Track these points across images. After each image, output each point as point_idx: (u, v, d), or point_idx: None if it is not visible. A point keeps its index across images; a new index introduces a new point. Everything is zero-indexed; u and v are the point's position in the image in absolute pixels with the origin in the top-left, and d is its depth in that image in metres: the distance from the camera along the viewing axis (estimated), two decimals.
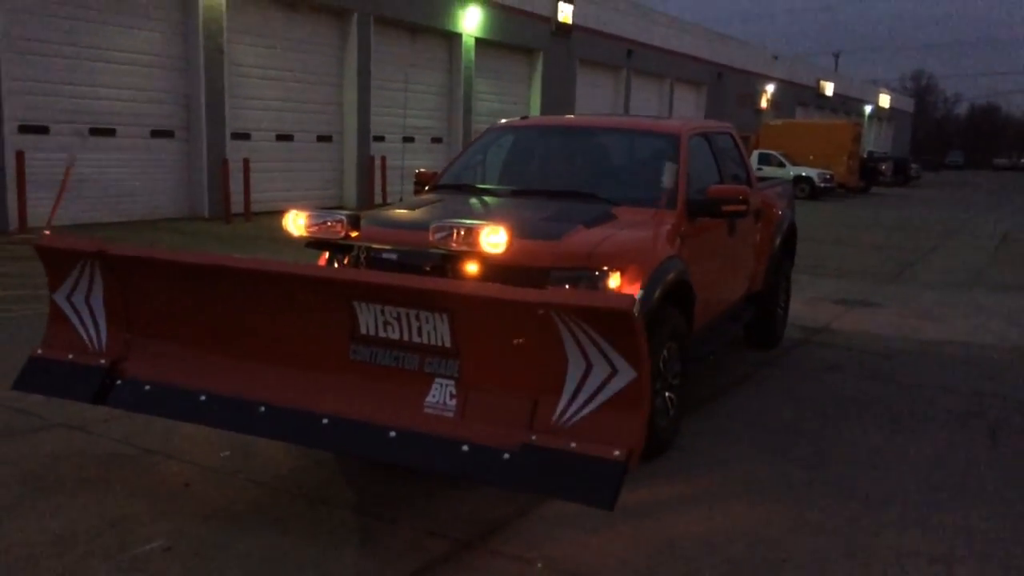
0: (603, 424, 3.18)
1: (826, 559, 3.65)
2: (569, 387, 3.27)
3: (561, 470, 3.16)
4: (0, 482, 4.13)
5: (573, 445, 3.16)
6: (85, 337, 4.11)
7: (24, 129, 13.46)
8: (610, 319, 3.10)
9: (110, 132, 14.80)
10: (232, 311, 3.90)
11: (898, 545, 3.80)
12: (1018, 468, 4.83)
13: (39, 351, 4.20)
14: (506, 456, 3.27)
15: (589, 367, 3.22)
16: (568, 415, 3.27)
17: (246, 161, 16.11)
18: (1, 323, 7.46)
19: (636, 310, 3.05)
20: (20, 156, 12.90)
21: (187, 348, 4.00)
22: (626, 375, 3.16)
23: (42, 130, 13.76)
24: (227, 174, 15.79)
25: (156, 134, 15.62)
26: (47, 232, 4.11)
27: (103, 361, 4.03)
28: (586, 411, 3.23)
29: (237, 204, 15.97)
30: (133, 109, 15.11)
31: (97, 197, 14.44)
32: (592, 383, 3.22)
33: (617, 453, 3.09)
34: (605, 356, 3.18)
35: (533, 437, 3.25)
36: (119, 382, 4.04)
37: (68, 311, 4.14)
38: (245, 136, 17.17)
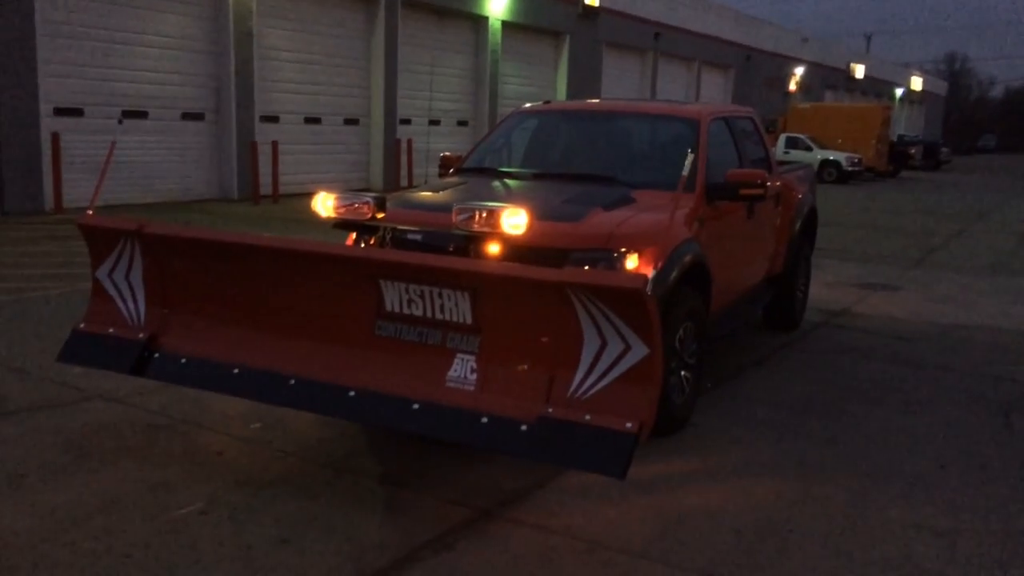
0: (616, 398, 3.33)
1: (831, 531, 3.78)
2: (584, 362, 3.42)
3: (576, 441, 3.32)
4: (45, 449, 4.36)
5: (588, 417, 3.32)
6: (125, 312, 4.32)
7: (59, 112, 13.76)
8: (624, 297, 3.24)
9: (142, 115, 15.08)
10: (263, 288, 4.09)
11: (904, 519, 3.92)
12: None
13: (82, 325, 4.42)
14: (523, 428, 3.43)
15: (604, 343, 3.36)
16: (583, 389, 3.42)
17: (275, 143, 16.34)
18: (41, 300, 7.71)
19: (648, 289, 3.19)
20: (56, 138, 13.21)
21: (221, 323, 4.20)
22: (639, 351, 3.30)
23: (76, 112, 14.06)
24: (256, 156, 16.04)
25: (187, 116, 15.89)
26: (90, 212, 4.31)
27: (141, 335, 4.24)
28: (600, 385, 3.38)
29: (266, 186, 16.22)
30: (164, 92, 15.38)
31: (130, 178, 14.74)
32: (606, 359, 3.37)
33: (629, 425, 3.24)
34: (619, 333, 3.32)
35: (550, 409, 3.41)
36: (156, 355, 4.25)
37: (109, 287, 4.36)
38: (274, 119, 17.40)
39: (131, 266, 4.30)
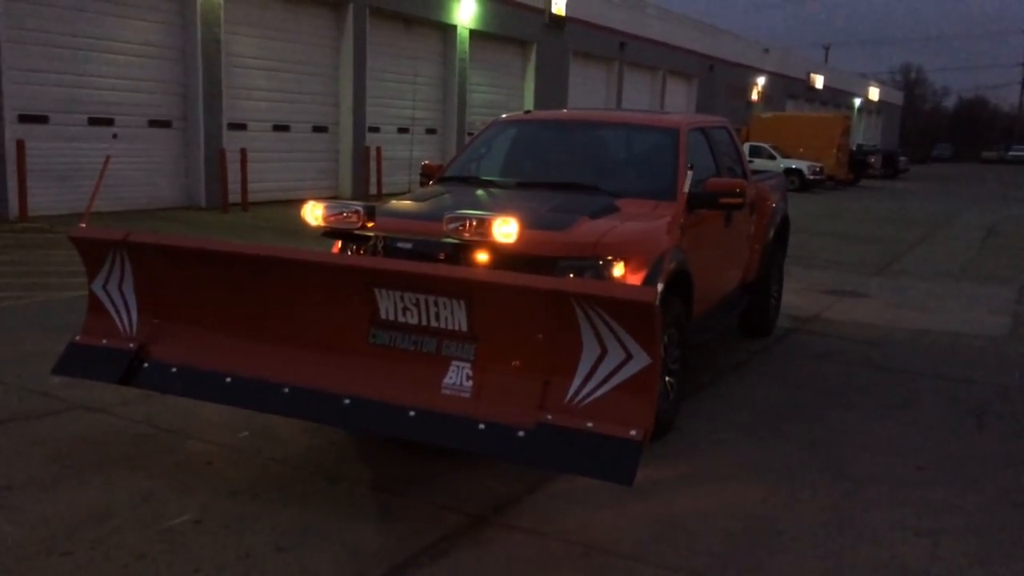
0: (616, 406, 3.39)
1: (819, 533, 3.86)
2: (582, 370, 3.47)
3: (578, 448, 3.37)
4: (31, 460, 4.32)
5: (590, 425, 3.37)
6: (119, 323, 4.30)
7: (24, 119, 13.54)
8: (633, 310, 3.30)
9: (108, 122, 14.89)
10: (256, 297, 4.09)
11: (887, 521, 4.02)
12: (1001, 450, 5.06)
13: (78, 338, 4.38)
14: (521, 434, 3.48)
15: (604, 352, 3.42)
16: (580, 396, 3.47)
17: (243, 151, 16.22)
18: (12, 310, 7.59)
19: (657, 302, 3.26)
20: (20, 145, 12.99)
21: (213, 332, 4.19)
22: (641, 361, 3.36)
23: (42, 119, 13.85)
24: (224, 164, 15.90)
25: (154, 124, 15.72)
26: (83, 225, 4.27)
27: (131, 345, 4.21)
28: (599, 393, 3.44)
29: (234, 194, 16.09)
30: (131, 99, 15.20)
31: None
32: (606, 367, 3.43)
33: (634, 433, 3.30)
34: (621, 342, 3.38)
35: (548, 416, 3.46)
36: (146, 365, 4.22)
37: (104, 299, 4.34)
38: (242, 127, 17.27)
39: (123, 276, 4.27)
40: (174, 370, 4.17)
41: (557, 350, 3.50)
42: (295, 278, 3.99)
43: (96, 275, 4.35)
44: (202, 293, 4.21)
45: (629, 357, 3.36)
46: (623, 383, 3.38)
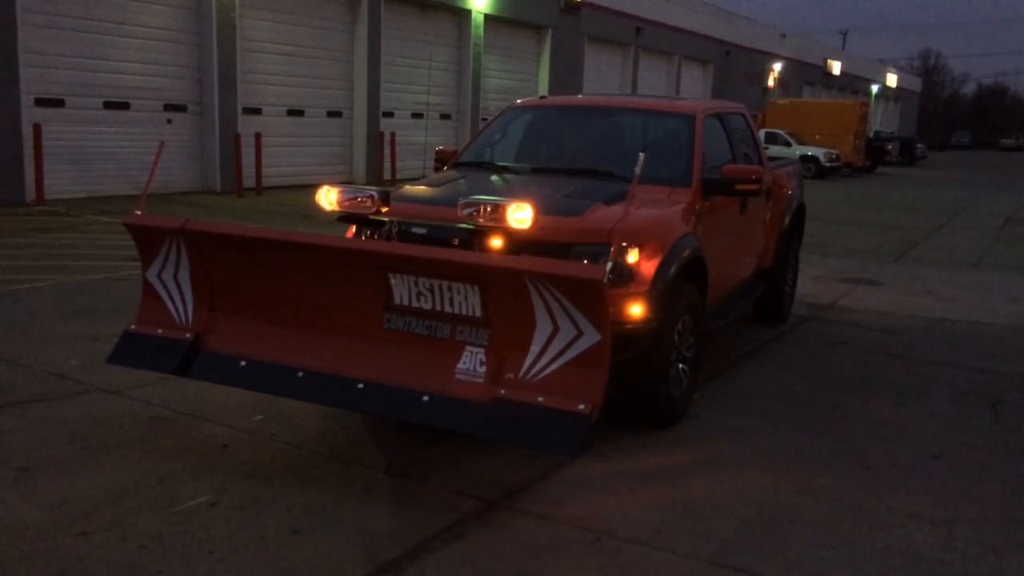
0: (568, 381, 3.48)
1: (833, 521, 3.86)
2: (535, 346, 3.56)
3: (530, 422, 3.48)
4: (49, 441, 4.36)
5: (541, 399, 3.47)
6: (174, 312, 4.27)
7: (40, 102, 13.60)
8: (580, 287, 3.38)
9: (124, 106, 14.93)
10: (271, 281, 4.09)
11: (902, 509, 4.01)
12: (1017, 439, 5.03)
13: (132, 327, 4.35)
14: (483, 409, 3.57)
15: (556, 329, 3.51)
16: (534, 372, 3.56)
17: (258, 136, 16.25)
18: (30, 292, 7.64)
19: (605, 279, 3.34)
20: (37, 129, 13.05)
21: (231, 317, 4.20)
22: (591, 337, 3.44)
23: (58, 103, 13.91)
24: (239, 148, 15.93)
25: (169, 108, 15.76)
26: (138, 212, 4.26)
27: (188, 335, 4.19)
28: (551, 369, 3.52)
29: (248, 178, 16.13)
30: (147, 83, 15.23)
31: (111, 169, 14.60)
32: (557, 344, 3.51)
33: (582, 407, 3.39)
34: (572, 319, 3.47)
35: (502, 391, 3.55)
36: (200, 354, 4.19)
37: (159, 288, 4.30)
38: (256, 111, 17.29)
39: (179, 265, 4.24)
40: (199, 356, 4.18)
41: (515, 327, 3.56)
42: (309, 262, 3.99)
43: (151, 264, 4.30)
44: (226, 279, 4.20)
45: (580, 334, 3.45)
46: (574, 359, 3.47)
